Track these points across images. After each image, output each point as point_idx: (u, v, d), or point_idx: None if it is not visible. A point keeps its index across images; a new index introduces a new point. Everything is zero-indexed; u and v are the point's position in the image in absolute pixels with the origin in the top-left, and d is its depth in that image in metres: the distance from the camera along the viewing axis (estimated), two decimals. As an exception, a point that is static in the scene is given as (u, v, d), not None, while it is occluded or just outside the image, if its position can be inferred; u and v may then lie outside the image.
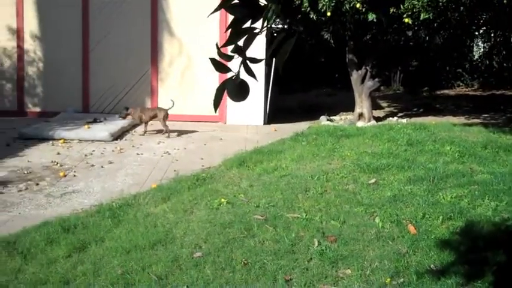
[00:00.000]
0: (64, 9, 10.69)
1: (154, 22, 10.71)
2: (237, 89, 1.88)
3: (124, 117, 9.37)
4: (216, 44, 1.90)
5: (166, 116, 9.33)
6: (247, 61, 1.89)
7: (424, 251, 4.41)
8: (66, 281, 3.96)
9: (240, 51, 1.85)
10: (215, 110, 1.97)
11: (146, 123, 9.37)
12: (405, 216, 5.14)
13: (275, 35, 1.89)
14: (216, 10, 1.86)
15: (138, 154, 7.96)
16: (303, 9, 8.72)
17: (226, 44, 1.87)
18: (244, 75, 1.91)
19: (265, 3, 1.81)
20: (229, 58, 1.86)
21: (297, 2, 7.78)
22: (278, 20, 1.91)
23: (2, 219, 5.32)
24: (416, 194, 5.74)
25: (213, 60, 1.89)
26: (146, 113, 9.35)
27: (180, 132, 9.53)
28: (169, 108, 9.31)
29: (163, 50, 10.79)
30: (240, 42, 1.88)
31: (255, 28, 1.84)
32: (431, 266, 4.19)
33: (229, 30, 1.85)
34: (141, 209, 5.43)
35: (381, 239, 4.68)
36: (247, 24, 1.86)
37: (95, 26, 10.70)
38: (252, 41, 1.86)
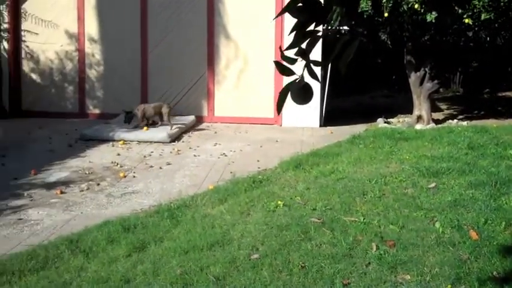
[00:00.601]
0: (123, 12, 10.95)
1: (211, 25, 10.82)
2: (301, 92, 1.88)
3: (129, 122, 9.42)
4: (280, 47, 1.91)
5: (170, 111, 9.59)
6: (311, 64, 1.89)
7: (487, 258, 4.29)
8: (126, 280, 4.04)
9: (304, 54, 1.85)
10: (278, 113, 1.98)
11: (151, 118, 9.57)
12: (466, 221, 5.01)
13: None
14: (280, 14, 1.86)
15: (195, 156, 8.06)
16: (364, 11, 8.69)
17: (289, 47, 1.87)
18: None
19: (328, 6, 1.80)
20: (293, 61, 1.86)
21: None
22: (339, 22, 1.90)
23: (65, 218, 5.48)
24: (478, 199, 5.59)
25: (277, 63, 1.89)
26: (152, 109, 9.53)
27: (185, 128, 9.86)
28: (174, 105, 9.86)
29: (220, 53, 10.88)
30: (303, 45, 1.88)
31: (318, 31, 1.84)
32: (494, 273, 4.06)
33: (292, 33, 1.85)
34: (198, 210, 5.49)
35: (441, 244, 4.57)
36: (311, 27, 1.86)
37: (153, 29, 10.90)
38: (315, 44, 1.86)
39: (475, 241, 4.59)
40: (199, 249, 4.52)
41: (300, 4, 1.80)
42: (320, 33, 1.85)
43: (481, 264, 4.20)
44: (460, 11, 9.38)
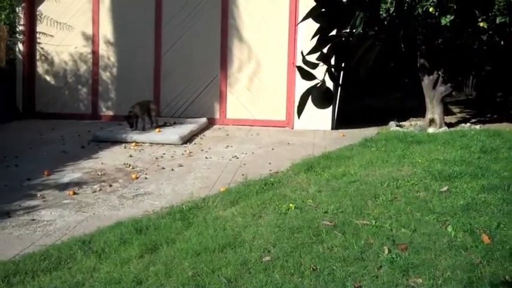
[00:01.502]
0: (138, 15, 11.02)
1: (224, 27, 10.86)
2: (322, 97, 1.88)
3: (132, 123, 9.43)
4: (301, 52, 1.91)
5: (157, 109, 9.90)
6: (332, 68, 1.90)
7: (499, 262, 4.26)
8: (139, 281, 4.05)
9: (326, 58, 1.86)
10: (298, 117, 1.99)
11: (143, 116, 9.58)
12: (479, 225, 4.98)
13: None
14: (304, 19, 1.87)
15: (206, 158, 8.08)
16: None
17: (311, 52, 1.87)
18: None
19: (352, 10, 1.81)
20: (315, 66, 1.87)
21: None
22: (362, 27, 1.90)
23: (78, 219, 5.52)
24: (491, 203, 5.56)
25: (299, 68, 1.90)
26: (144, 106, 9.60)
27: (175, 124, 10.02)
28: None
29: (233, 56, 10.92)
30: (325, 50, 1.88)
31: (341, 36, 1.84)
32: (506, 277, 4.04)
33: (303, 36, 1.87)
34: (210, 212, 5.51)
35: (453, 248, 4.56)
36: (333, 32, 1.86)
37: (167, 32, 10.96)
38: (337, 49, 1.86)
39: (488, 245, 4.57)
40: (211, 251, 4.53)
41: (323, 9, 1.81)
42: (342, 38, 1.85)
43: (494, 268, 4.18)
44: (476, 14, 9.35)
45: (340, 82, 1.96)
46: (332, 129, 10.50)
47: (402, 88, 15.45)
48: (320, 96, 1.89)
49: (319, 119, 10.21)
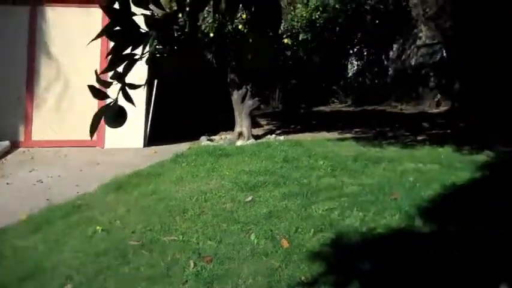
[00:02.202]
0: None
1: (32, 45, 10.30)
2: (115, 116, 1.87)
3: None
4: (95, 71, 1.88)
5: None
6: (126, 87, 1.90)
7: (296, 264, 4.53)
8: None
9: (120, 77, 1.84)
10: (91, 137, 1.95)
11: None
12: (279, 231, 5.26)
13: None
14: (97, 37, 1.84)
15: (8, 184, 7.57)
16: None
17: (105, 71, 1.85)
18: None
19: (147, 30, 1.83)
20: (108, 85, 1.85)
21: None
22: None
23: None
24: (291, 209, 5.90)
25: (91, 88, 1.87)
26: None
27: None
28: None
29: (40, 74, 10.38)
30: (120, 69, 1.87)
31: (135, 54, 1.84)
32: (302, 278, 4.30)
33: (110, 56, 1.85)
34: (8, 243, 5.17)
35: (255, 255, 4.76)
36: (128, 51, 1.86)
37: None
38: (132, 67, 1.86)
39: (286, 249, 4.84)
40: (7, 285, 4.26)
41: (118, 28, 1.80)
42: (137, 57, 1.86)
43: (291, 271, 4.43)
44: (280, 31, 9.94)
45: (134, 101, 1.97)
46: (144, 146, 10.43)
47: (214, 103, 15.84)
48: (112, 116, 1.89)
49: (130, 137, 10.08)
